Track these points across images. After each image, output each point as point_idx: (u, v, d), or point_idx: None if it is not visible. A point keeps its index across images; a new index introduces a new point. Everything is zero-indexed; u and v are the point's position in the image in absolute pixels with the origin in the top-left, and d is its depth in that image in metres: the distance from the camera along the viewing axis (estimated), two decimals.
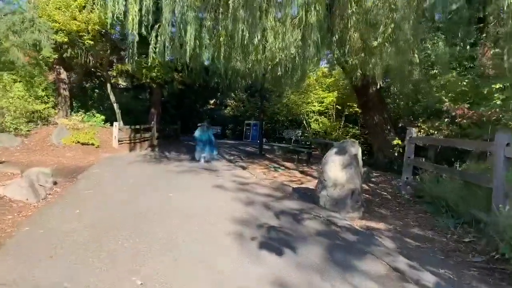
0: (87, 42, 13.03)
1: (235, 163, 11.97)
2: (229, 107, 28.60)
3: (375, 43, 8.14)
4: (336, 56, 10.42)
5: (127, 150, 13.95)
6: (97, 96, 19.58)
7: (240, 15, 7.53)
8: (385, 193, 7.42)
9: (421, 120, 9.68)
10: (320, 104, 19.43)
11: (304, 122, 20.47)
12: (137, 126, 15.89)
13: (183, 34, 8.87)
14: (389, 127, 11.62)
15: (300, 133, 21.76)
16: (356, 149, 5.94)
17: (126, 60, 10.36)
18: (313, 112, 20.07)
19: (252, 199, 6.37)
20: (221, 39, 8.84)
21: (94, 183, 7.28)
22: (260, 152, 14.47)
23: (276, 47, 8.43)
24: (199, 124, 12.99)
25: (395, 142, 9.62)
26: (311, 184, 8.18)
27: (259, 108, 25.57)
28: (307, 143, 18.50)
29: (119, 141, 14.16)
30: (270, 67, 10.66)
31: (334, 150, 5.98)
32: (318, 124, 19.38)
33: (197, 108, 28.50)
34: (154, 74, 14.80)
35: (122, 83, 20.76)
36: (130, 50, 10.38)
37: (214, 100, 29.36)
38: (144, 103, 24.60)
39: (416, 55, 7.92)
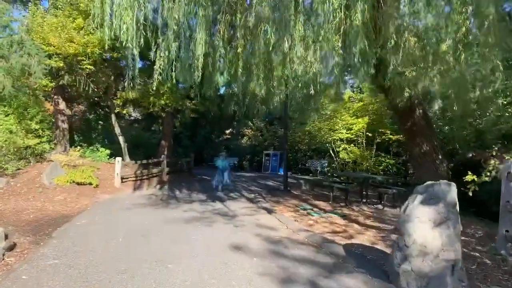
0: (86, 68, 11.49)
1: (256, 203, 9.93)
2: (245, 137, 26.81)
3: (443, 47, 6.15)
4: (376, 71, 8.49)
5: (131, 189, 12.07)
6: (102, 128, 18.05)
7: (264, 13, 5.75)
8: (476, 254, 5.22)
9: (495, 148, 7.52)
10: (348, 131, 17.37)
11: (331, 151, 18.39)
12: (144, 161, 14.11)
13: (192, 47, 7.20)
14: (440, 157, 9.49)
15: (326, 164, 19.68)
16: (454, 195, 3.84)
17: (125, 83, 8.65)
18: (340, 140, 18.01)
19: (289, 273, 4.28)
20: (239, 50, 7.02)
21: (69, 244, 5.33)
22: (285, 188, 12.39)
23: (309, 59, 6.60)
24: (219, 154, 14.02)
25: (468, 178, 7.40)
26: (365, 238, 6.08)
27: (278, 137, 23.81)
28: (337, 176, 16.43)
29: (122, 178, 12.35)
30: (298, 85, 8.79)
31: (419, 197, 3.90)
32: (347, 154, 17.24)
33: (212, 138, 26.80)
34: (163, 101, 13.15)
35: (130, 113, 19.24)
36: (130, 72, 8.75)
37: (230, 129, 27.67)
38: (157, 135, 23.09)
39: (499, 62, 5.89)
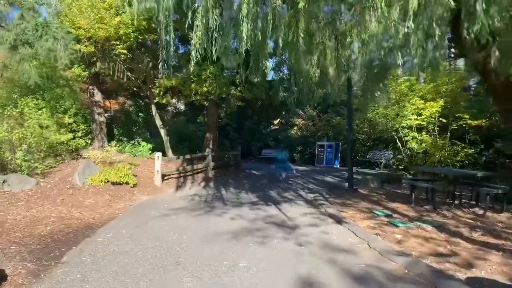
0: (120, 53, 10.22)
1: (319, 206, 8.14)
2: (295, 127, 24.89)
3: None
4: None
5: (173, 188, 10.74)
6: (143, 121, 16.98)
7: None
8: None
9: None
10: (418, 117, 14.96)
11: (397, 140, 16.06)
12: (188, 156, 12.76)
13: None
14: None
15: (391, 155, 17.36)
16: None
17: (160, 66, 7.16)
18: (408, 127, 15.63)
19: None
20: (300, 5, 5.18)
21: (78, 277, 3.89)
22: (350, 186, 10.44)
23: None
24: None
25: None
26: (493, 267, 4.15)
27: (333, 126, 21.57)
28: (414, 171, 14.22)
29: (163, 176, 11.07)
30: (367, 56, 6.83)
31: None
32: (418, 143, 14.87)
33: (259, 129, 25.19)
34: (205, 89, 11.63)
35: (174, 104, 18.04)
36: (165, 51, 7.28)
37: (278, 119, 25.87)
38: (202, 127, 21.87)
39: None
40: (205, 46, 6.28)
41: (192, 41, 6.42)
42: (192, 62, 6.61)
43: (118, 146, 12.98)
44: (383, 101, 13.86)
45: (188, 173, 12.59)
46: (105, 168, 9.90)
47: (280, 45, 5.93)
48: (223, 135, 23.91)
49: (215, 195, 9.72)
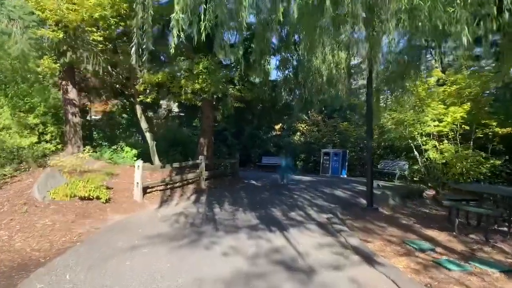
0: (94, 40, 8.51)
1: (336, 234, 6.38)
2: (298, 133, 23.14)
3: None
4: None
5: (157, 204, 8.98)
6: (127, 123, 15.18)
7: None
8: None
9: None
10: (439, 124, 13.25)
11: (414, 149, 14.33)
12: (176, 164, 11.01)
13: None
14: None
15: (407, 166, 15.63)
16: None
17: (132, 51, 5.48)
18: (427, 135, 13.93)
19: None
20: None
21: None
22: (369, 203, 8.66)
23: None
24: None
25: None
26: None
27: (339, 132, 19.69)
28: (429, 184, 12.56)
29: (146, 189, 9.35)
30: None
31: None
32: (439, 153, 13.15)
33: (259, 135, 23.43)
34: (197, 85, 9.88)
35: (168, 105, 16.32)
36: (140, 33, 5.64)
37: (280, 124, 24.11)
38: (198, 131, 20.13)
39: None
40: (190, 18, 4.60)
41: (173, 15, 4.76)
42: (173, 43, 4.92)
43: (97, 152, 11.24)
44: (408, 102, 12.14)
45: (177, 184, 10.84)
46: (73, 179, 8.14)
47: (295, 14, 4.22)
48: (220, 141, 22.16)
49: (205, 214, 7.95)
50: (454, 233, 6.35)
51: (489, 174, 12.92)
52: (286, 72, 13.73)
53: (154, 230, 6.40)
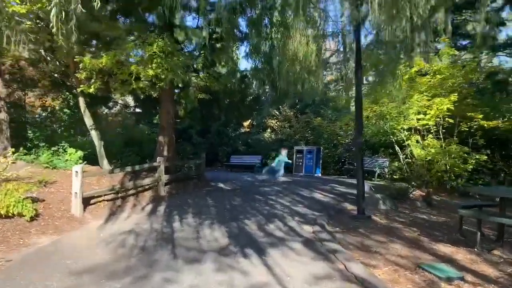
0: (14, 11, 6.62)
1: (329, 256, 4.91)
2: (269, 129, 21.72)
3: None
4: None
5: (102, 219, 7.21)
6: (69, 120, 13.07)
7: None
8: None
9: None
10: (423, 117, 12.19)
11: (396, 145, 13.23)
12: (128, 168, 9.26)
13: None
14: None
15: (387, 163, 14.54)
16: None
17: (52, 15, 3.78)
18: (408, 129, 12.87)
19: None
20: None
21: None
22: (361, 211, 7.26)
23: None
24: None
25: None
26: None
27: (313, 128, 18.40)
28: (413, 183, 11.54)
29: (89, 199, 7.57)
30: None
31: None
32: (424, 148, 12.09)
33: (227, 133, 21.81)
34: (151, 72, 8.11)
35: (122, 99, 14.36)
36: None
37: (249, 121, 22.60)
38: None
39: None
40: None
41: None
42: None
43: (31, 154, 9.27)
44: (398, 93, 10.93)
45: (130, 192, 9.08)
46: None
47: None
48: (184, 139, 20.38)
49: (161, 232, 6.28)
50: (475, 249, 5.06)
51: (471, 171, 12.11)
52: (257, 61, 12.29)
53: (88, 261, 4.71)
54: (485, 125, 11.94)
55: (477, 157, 11.81)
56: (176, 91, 11.98)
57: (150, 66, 8.02)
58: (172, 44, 8.25)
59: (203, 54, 10.06)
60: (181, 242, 5.62)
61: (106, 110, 15.98)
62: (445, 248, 5.20)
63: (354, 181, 14.11)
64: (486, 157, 11.90)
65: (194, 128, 20.94)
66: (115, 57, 7.58)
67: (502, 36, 17.03)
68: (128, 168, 9.19)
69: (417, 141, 12.36)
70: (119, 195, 8.80)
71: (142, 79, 8.40)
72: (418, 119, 12.16)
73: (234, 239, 5.73)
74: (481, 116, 11.87)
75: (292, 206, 8.46)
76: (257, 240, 5.72)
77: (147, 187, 9.78)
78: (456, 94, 11.30)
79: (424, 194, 10.21)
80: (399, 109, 12.43)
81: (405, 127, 12.54)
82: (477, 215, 5.06)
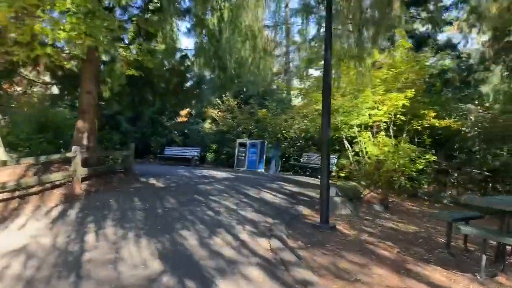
0: None
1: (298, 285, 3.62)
2: (209, 120, 20.08)
3: None
4: None
5: None
6: None
7: None
8: None
9: None
10: (376, 113, 11.45)
11: (346, 141, 12.40)
12: (29, 159, 7.22)
13: None
14: None
15: (335, 160, 13.72)
16: None
17: None
18: (358, 125, 12.11)
19: None
20: None
21: None
22: (324, 219, 6.02)
23: None
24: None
25: None
26: None
27: (257, 120, 17.08)
28: (363, 182, 10.90)
29: None
30: None
31: None
32: (377, 146, 11.36)
33: (162, 121, 19.79)
34: (62, 34, 6.14)
35: (36, 76, 11.84)
36: None
37: (187, 109, 20.72)
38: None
39: None
40: None
41: None
42: None
43: None
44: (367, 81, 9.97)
45: (33, 190, 7.07)
46: None
47: None
48: (112, 127, 18.04)
49: (66, 252, 4.53)
50: (476, 276, 4.06)
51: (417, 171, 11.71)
52: (201, 39, 10.72)
53: None
54: (437, 124, 11.59)
55: (426, 157, 11.34)
56: (102, 67, 9.98)
57: (60, 26, 6.08)
58: (91, 3, 6.33)
59: (135, 23, 8.22)
60: (92, 269, 3.95)
61: (18, 89, 13.27)
62: (439, 274, 4.13)
63: (301, 178, 13.23)
64: (435, 157, 11.50)
65: (124, 114, 18.65)
66: (11, 8, 5.54)
67: (443, 37, 17.15)
68: (30, 159, 7.13)
69: (368, 138, 11.63)
70: (17, 193, 6.77)
71: (50, 43, 6.40)
72: (371, 115, 11.40)
73: (169, 263, 4.19)
74: (433, 114, 11.47)
75: (240, 210, 7.06)
76: (200, 264, 4.23)
77: (58, 183, 7.78)
78: (413, 90, 10.65)
79: (379, 196, 9.40)
80: (352, 104, 11.57)
81: (357, 122, 11.72)
82: (484, 235, 4.04)
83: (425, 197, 12.11)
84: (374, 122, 11.61)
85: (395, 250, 4.97)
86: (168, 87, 12.46)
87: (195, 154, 17.16)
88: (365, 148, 11.53)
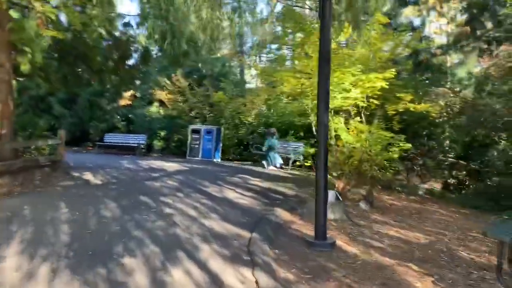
0: None
1: None
2: (157, 103, 17.92)
3: None
4: None
5: None
6: None
7: None
8: None
9: None
10: (350, 97, 10.20)
11: (314, 128, 11.10)
12: None
13: None
14: None
15: (302, 148, 12.40)
16: None
17: None
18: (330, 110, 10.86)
19: None
20: None
21: None
22: (321, 236, 4.54)
23: None
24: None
25: None
26: None
27: (212, 104, 15.28)
28: (334, 174, 9.81)
29: None
30: None
31: None
32: (356, 134, 10.15)
33: (102, 104, 17.33)
34: None
35: None
36: None
37: (131, 91, 18.34)
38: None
39: None
40: None
41: None
42: None
43: None
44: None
45: None
46: None
47: None
48: (42, 111, 15.42)
49: None
50: None
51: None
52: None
53: None
54: (412, 109, 10.70)
55: (400, 144, 10.35)
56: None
57: None
58: None
59: None
60: None
61: None
62: None
63: (265, 170, 11.74)
64: (410, 145, 10.56)
65: (56, 96, 16.04)
66: None
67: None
68: None
69: (342, 124, 10.42)
70: None
71: None
72: (346, 98, 10.14)
73: None
74: (409, 98, 10.50)
75: (202, 219, 5.41)
76: None
77: None
78: (393, 70, 9.51)
79: (361, 191, 8.18)
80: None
81: (330, 106, 10.43)
82: None
83: (399, 189, 11.19)
84: (348, 106, 10.40)
85: (427, 278, 3.63)
86: (108, 63, 10.37)
87: (141, 142, 15.11)
88: (337, 135, 10.31)
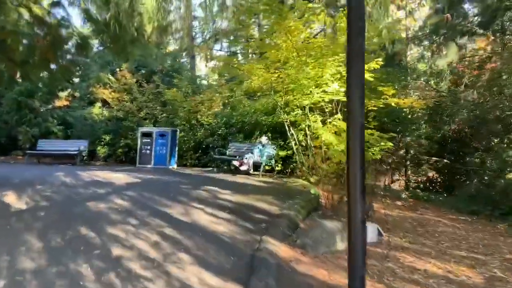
0: None
1: None
2: (99, 103, 15.69)
3: None
4: None
5: None
6: None
7: None
8: None
9: None
10: (332, 91, 8.94)
11: (288, 128, 9.71)
12: None
13: None
14: None
15: (273, 152, 10.94)
16: None
17: None
18: (303, 108, 9.59)
19: None
20: None
21: None
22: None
23: None
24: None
25: None
26: None
27: (165, 102, 13.46)
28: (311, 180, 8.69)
29: None
30: None
31: None
32: (331, 132, 8.90)
33: (33, 106, 14.82)
34: None
35: None
36: None
37: (69, 90, 15.92)
38: None
39: None
40: None
41: None
42: None
43: None
44: None
45: None
46: None
47: None
48: None
49: None
50: None
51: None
52: None
53: None
54: (393, 104, 9.73)
55: (381, 144, 9.31)
56: None
57: None
58: None
59: None
60: None
61: None
62: None
63: (232, 177, 10.19)
64: (391, 144, 9.56)
65: None
66: None
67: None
68: None
69: (320, 123, 9.19)
70: None
71: None
72: (324, 92, 8.90)
73: None
74: (392, 92, 9.46)
75: (169, 266, 3.78)
76: None
77: None
78: (380, 60, 8.38)
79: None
80: (301, 78, 8.90)
81: (306, 102, 9.14)
82: None
83: (381, 193, 10.18)
84: (328, 102, 9.18)
85: None
86: (33, 51, 8.31)
87: (82, 149, 12.90)
88: (316, 135, 9.07)
